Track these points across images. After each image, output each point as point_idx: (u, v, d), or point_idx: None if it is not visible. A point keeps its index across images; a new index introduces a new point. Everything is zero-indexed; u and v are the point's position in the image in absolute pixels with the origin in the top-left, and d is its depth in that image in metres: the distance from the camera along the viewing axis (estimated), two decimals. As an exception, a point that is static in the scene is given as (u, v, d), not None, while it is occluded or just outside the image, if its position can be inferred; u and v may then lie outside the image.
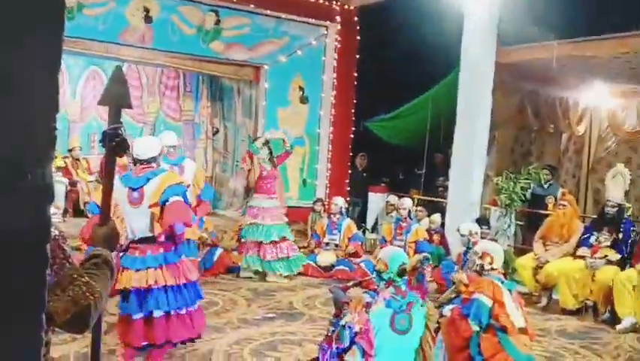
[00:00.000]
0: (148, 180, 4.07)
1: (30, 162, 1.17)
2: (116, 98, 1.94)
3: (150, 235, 4.06)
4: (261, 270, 7.43)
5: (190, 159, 7.27)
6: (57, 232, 1.45)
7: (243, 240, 7.62)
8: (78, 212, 9.23)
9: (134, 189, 4.05)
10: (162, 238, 4.03)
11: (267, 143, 7.73)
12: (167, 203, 3.97)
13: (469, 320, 4.29)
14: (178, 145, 6.87)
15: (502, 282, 4.56)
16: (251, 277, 7.44)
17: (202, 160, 11.80)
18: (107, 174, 2.01)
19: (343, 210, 8.53)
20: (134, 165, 4.23)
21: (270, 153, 7.66)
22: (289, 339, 5.30)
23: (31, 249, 1.20)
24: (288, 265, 7.52)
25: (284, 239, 7.54)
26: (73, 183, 9.52)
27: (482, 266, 4.71)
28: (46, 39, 1.18)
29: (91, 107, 10.77)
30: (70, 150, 9.90)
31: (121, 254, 4.04)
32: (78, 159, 9.88)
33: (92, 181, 9.85)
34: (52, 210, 1.25)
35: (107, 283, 1.70)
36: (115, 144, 1.88)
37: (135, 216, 4.05)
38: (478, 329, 4.29)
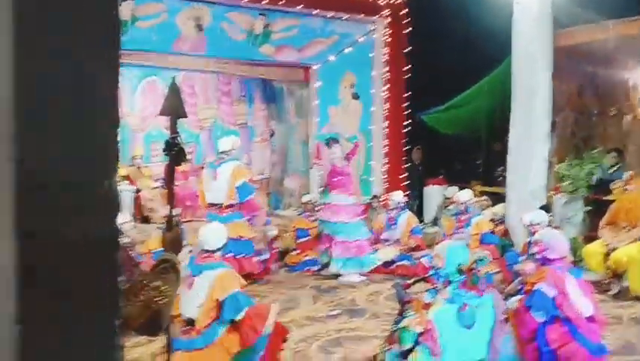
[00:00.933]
0: (201, 270, 4.01)
1: (97, 174, 1.23)
2: (173, 108, 2.01)
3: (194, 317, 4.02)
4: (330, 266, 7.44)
5: (232, 161, 6.94)
6: (125, 240, 1.51)
7: (319, 235, 7.70)
8: (143, 219, 9.52)
9: (191, 275, 4.08)
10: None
11: (336, 140, 7.82)
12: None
13: (532, 312, 4.20)
14: (233, 149, 6.90)
15: (569, 270, 4.43)
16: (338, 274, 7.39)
17: (259, 163, 11.97)
18: (168, 183, 2.08)
19: (402, 204, 8.45)
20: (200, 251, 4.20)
21: (342, 149, 7.73)
22: (355, 335, 5.32)
23: (102, 258, 1.26)
24: (360, 264, 7.46)
25: (358, 238, 7.49)
26: (137, 191, 9.82)
27: (534, 255, 4.60)
28: (107, 52, 1.23)
29: (150, 117, 11.08)
30: (133, 158, 10.23)
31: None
32: (140, 167, 10.18)
33: (156, 187, 10.13)
34: (123, 218, 1.31)
35: (176, 286, 1.76)
36: (173, 153, 1.94)
37: (186, 298, 3.92)
38: (543, 319, 4.19)
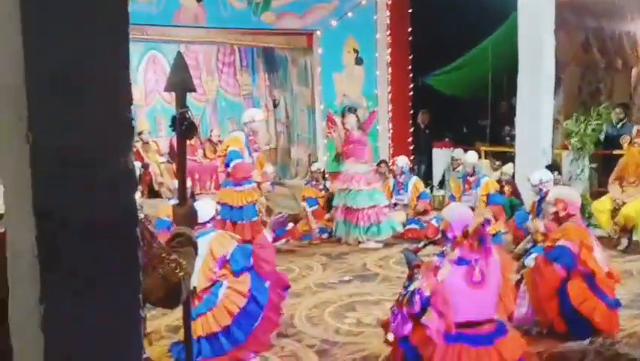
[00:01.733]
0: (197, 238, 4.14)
1: (112, 151, 1.25)
2: (180, 83, 2.02)
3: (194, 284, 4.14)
4: (348, 236, 7.51)
5: (235, 132, 7.35)
6: (142, 215, 1.54)
7: (334, 205, 7.75)
8: (152, 193, 9.58)
9: None
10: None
11: (352, 109, 7.83)
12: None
13: (555, 266, 4.24)
14: (253, 121, 6.96)
15: (587, 226, 4.47)
16: (347, 242, 7.51)
17: (264, 132, 11.95)
18: (179, 157, 2.10)
19: (406, 169, 8.47)
20: None
21: (358, 118, 7.70)
22: (367, 300, 5.40)
23: (122, 232, 1.29)
24: (379, 231, 7.50)
25: (375, 205, 7.51)
26: (145, 166, 9.86)
27: (557, 213, 4.62)
28: (116, 31, 1.24)
29: (154, 91, 11.06)
30: (139, 134, 10.24)
31: None
32: (147, 142, 10.20)
33: (163, 162, 10.19)
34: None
35: (193, 259, 1.80)
36: (184, 128, 1.96)
37: None
38: (564, 275, 4.23)
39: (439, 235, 4.06)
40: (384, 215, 7.55)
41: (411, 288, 3.63)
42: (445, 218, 3.78)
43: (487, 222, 3.73)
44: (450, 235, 3.69)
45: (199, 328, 4.07)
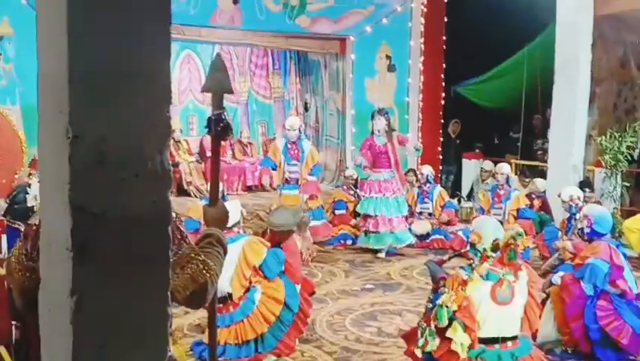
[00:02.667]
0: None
1: (150, 149, 1.26)
2: (218, 84, 2.03)
3: (228, 290, 4.24)
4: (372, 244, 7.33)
5: (306, 139, 7.84)
6: (174, 214, 1.56)
7: (360, 213, 7.55)
8: (182, 192, 9.67)
9: None
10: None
11: (383, 111, 7.49)
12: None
13: (583, 285, 4.16)
14: (298, 128, 7.55)
15: (618, 246, 4.39)
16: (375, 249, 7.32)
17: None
18: (213, 157, 2.11)
19: (430, 178, 8.41)
20: None
21: (388, 122, 7.42)
22: (389, 309, 5.36)
23: (155, 230, 1.30)
24: (396, 239, 7.36)
25: (396, 215, 7.34)
26: (175, 165, 9.97)
27: (582, 230, 4.55)
28: (159, 30, 1.26)
29: (187, 91, 11.18)
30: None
31: None
32: (179, 141, 10.31)
33: (192, 162, 10.27)
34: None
35: (221, 261, 1.80)
36: (219, 129, 1.97)
37: None
38: (592, 293, 4.15)
39: (466, 248, 4.02)
40: (403, 224, 7.44)
41: (439, 301, 3.59)
42: (474, 230, 3.73)
43: (519, 235, 3.68)
44: (479, 248, 3.64)
45: (232, 336, 4.11)
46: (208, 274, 1.70)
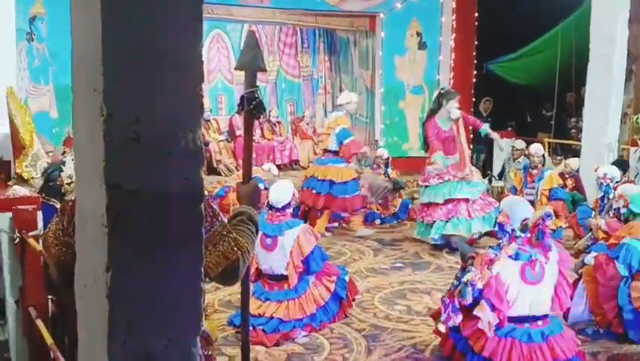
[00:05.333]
0: (281, 230, 4.37)
1: (183, 128, 1.27)
2: (251, 62, 2.03)
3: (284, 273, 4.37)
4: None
5: (337, 111, 7.53)
6: (206, 192, 1.58)
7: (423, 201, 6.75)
8: (211, 170, 9.76)
9: (267, 235, 4.34)
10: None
11: (453, 93, 6.75)
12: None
13: (618, 265, 4.10)
14: (347, 102, 7.33)
15: None
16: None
17: (322, 115, 11.98)
18: (246, 135, 2.12)
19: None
20: (268, 209, 4.50)
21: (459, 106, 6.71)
22: (418, 288, 5.36)
23: (188, 207, 1.32)
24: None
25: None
26: (205, 143, 9.93)
27: (618, 210, 4.47)
28: (191, 9, 1.26)
29: (216, 70, 11.21)
30: (200, 112, 10.42)
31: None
32: (209, 120, 10.38)
33: (222, 140, 10.34)
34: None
35: (253, 238, 1.82)
36: (252, 107, 1.97)
37: (267, 257, 4.40)
38: (627, 274, 4.09)
39: (496, 227, 3.99)
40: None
41: (464, 279, 3.58)
42: (503, 210, 3.71)
43: (548, 216, 3.64)
44: (508, 228, 3.62)
45: (281, 311, 4.23)
46: (240, 252, 1.72)
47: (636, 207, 4.34)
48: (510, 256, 3.52)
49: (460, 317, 3.59)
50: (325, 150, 7.35)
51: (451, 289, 3.72)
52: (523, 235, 3.58)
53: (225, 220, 1.77)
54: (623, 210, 4.39)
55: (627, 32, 7.63)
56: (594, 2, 7.76)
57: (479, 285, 3.48)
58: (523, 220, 3.59)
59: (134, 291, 1.33)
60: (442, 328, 3.83)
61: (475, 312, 3.52)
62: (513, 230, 3.59)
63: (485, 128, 7.10)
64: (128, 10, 1.21)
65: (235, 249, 1.71)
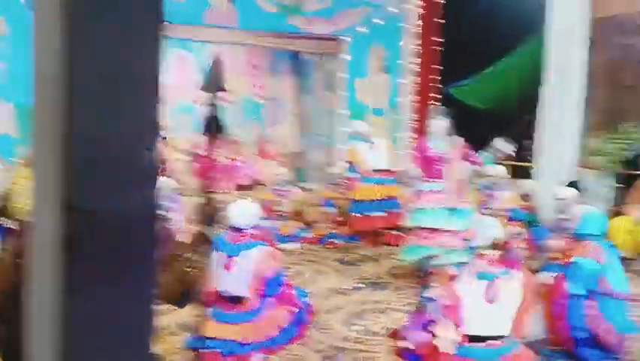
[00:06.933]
0: (241, 251, 4.26)
1: (140, 148, 1.29)
2: (214, 83, 2.06)
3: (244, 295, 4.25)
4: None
5: (379, 139, 7.91)
6: (161, 211, 1.59)
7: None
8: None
9: (227, 256, 4.27)
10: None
11: (445, 112, 6.58)
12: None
13: (570, 284, 4.21)
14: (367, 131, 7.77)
15: (606, 246, 4.44)
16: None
17: (287, 136, 12.03)
18: (208, 156, 2.14)
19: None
20: (229, 229, 4.45)
21: (449, 127, 6.48)
22: (377, 308, 5.40)
23: (143, 229, 1.33)
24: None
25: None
26: (164, 163, 9.94)
27: (571, 230, 4.60)
28: (151, 30, 1.29)
29: (178, 89, 11.15)
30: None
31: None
32: (168, 139, 10.27)
33: (182, 160, 10.25)
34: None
35: (208, 259, 1.84)
36: (214, 127, 1.99)
37: (226, 278, 4.28)
38: (579, 293, 4.19)
39: (461, 245, 4.07)
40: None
41: (426, 294, 3.62)
42: (472, 227, 3.76)
43: (518, 235, 3.73)
44: (474, 246, 3.67)
45: (238, 334, 4.17)
46: (195, 273, 1.73)
47: (589, 227, 4.47)
48: (473, 274, 3.57)
49: (424, 335, 3.63)
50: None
51: (417, 306, 3.76)
52: (489, 252, 3.64)
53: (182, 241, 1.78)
54: (576, 231, 4.51)
55: (582, 57, 7.90)
56: (552, 29, 8.02)
57: (445, 301, 3.52)
58: (493, 239, 3.65)
59: (88, 313, 1.34)
60: (407, 344, 3.84)
61: (436, 330, 3.55)
62: (479, 247, 3.64)
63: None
64: (90, 30, 1.23)
65: (190, 270, 1.72)
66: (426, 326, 3.60)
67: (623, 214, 7.34)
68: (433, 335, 3.55)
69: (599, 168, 8.07)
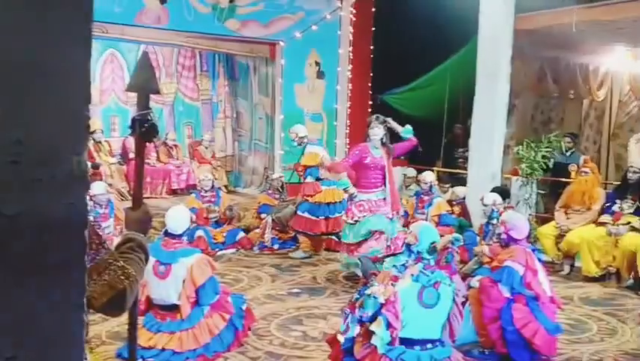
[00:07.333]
0: (176, 258, 4.23)
1: (66, 150, 1.21)
2: (144, 84, 1.98)
3: (176, 302, 4.24)
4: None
5: (312, 145, 7.76)
6: (92, 218, 1.50)
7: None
8: (102, 194, 9.34)
9: (161, 263, 4.19)
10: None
11: (382, 119, 6.39)
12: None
13: (500, 287, 4.32)
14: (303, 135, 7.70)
15: (533, 250, 4.59)
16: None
17: (222, 140, 11.89)
18: (137, 159, 2.05)
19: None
20: (164, 235, 4.36)
21: (386, 134, 6.34)
22: (314, 313, 5.39)
23: (71, 234, 1.25)
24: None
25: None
26: (95, 166, 9.64)
27: (500, 235, 4.75)
28: (79, 27, 1.21)
29: (110, 90, 10.85)
30: (91, 133, 10.00)
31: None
32: (100, 142, 9.98)
33: (114, 163, 9.98)
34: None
35: (142, 266, 1.76)
36: (144, 130, 1.92)
37: (160, 286, 4.22)
38: (508, 296, 4.31)
39: (403, 249, 4.13)
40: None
41: (367, 292, 3.65)
42: (412, 232, 3.82)
43: (456, 240, 3.81)
44: (415, 249, 3.73)
45: (173, 342, 4.06)
46: (127, 281, 1.65)
47: (516, 233, 4.62)
48: (413, 276, 3.62)
49: (358, 328, 3.65)
50: None
51: (352, 300, 3.78)
52: (430, 257, 3.70)
53: (112, 247, 1.70)
54: (503, 236, 4.65)
55: (510, 69, 8.19)
56: (480, 40, 8.28)
57: (381, 299, 3.55)
58: (432, 243, 3.72)
59: (11, 326, 1.24)
60: (341, 339, 3.86)
61: (372, 327, 3.57)
62: (419, 252, 3.70)
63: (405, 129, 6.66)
64: (11, 27, 1.15)
65: (122, 278, 1.64)
66: (362, 322, 3.62)
67: (548, 220, 7.64)
68: (368, 331, 3.57)
69: (525, 175, 8.37)
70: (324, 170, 7.34)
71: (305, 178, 7.60)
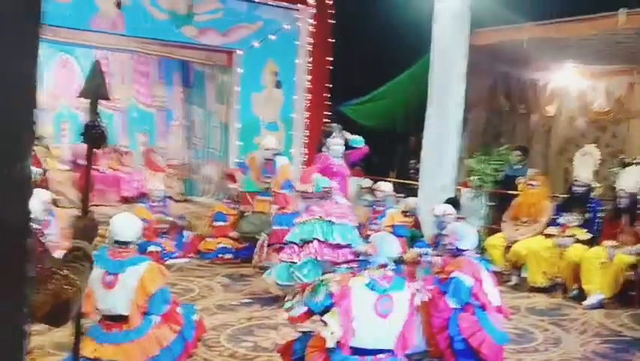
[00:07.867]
0: (124, 267, 4.11)
1: (10, 155, 1.19)
2: (94, 90, 1.96)
3: (124, 313, 4.08)
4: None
5: (281, 156, 7.79)
6: (36, 226, 1.47)
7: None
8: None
9: (108, 273, 4.07)
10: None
11: (339, 128, 6.40)
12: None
13: (448, 298, 4.39)
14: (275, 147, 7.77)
15: (480, 261, 4.68)
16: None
17: (176, 147, 11.76)
18: (86, 166, 2.02)
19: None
20: (112, 244, 4.22)
21: (345, 143, 6.35)
22: (265, 324, 5.36)
23: (13, 242, 1.22)
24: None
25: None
26: (43, 172, 9.40)
27: (445, 245, 4.83)
28: (25, 31, 1.19)
29: (61, 96, 10.61)
30: (40, 138, 9.75)
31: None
32: (49, 148, 9.73)
33: (63, 170, 9.74)
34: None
35: (86, 275, 1.72)
36: (94, 136, 1.89)
37: (107, 296, 4.09)
38: (457, 306, 4.38)
39: (360, 259, 4.15)
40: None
41: (322, 278, 3.65)
42: (372, 243, 3.84)
43: (425, 254, 3.85)
44: (375, 261, 3.74)
45: (120, 354, 3.95)
46: (71, 290, 1.62)
47: (464, 243, 4.70)
48: (371, 278, 3.61)
49: (304, 309, 3.64)
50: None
51: (305, 285, 3.77)
52: (394, 266, 3.73)
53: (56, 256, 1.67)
54: (451, 247, 4.73)
55: (463, 83, 8.38)
56: (434, 54, 8.45)
57: (334, 288, 3.55)
58: (399, 255, 3.74)
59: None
60: (285, 316, 3.82)
61: (325, 318, 3.57)
62: (378, 263, 3.71)
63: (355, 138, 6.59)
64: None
65: (66, 287, 1.60)
66: (312, 310, 3.62)
67: (497, 231, 7.82)
68: (320, 339, 3.58)
69: (476, 187, 8.55)
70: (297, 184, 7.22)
71: (282, 189, 7.43)
